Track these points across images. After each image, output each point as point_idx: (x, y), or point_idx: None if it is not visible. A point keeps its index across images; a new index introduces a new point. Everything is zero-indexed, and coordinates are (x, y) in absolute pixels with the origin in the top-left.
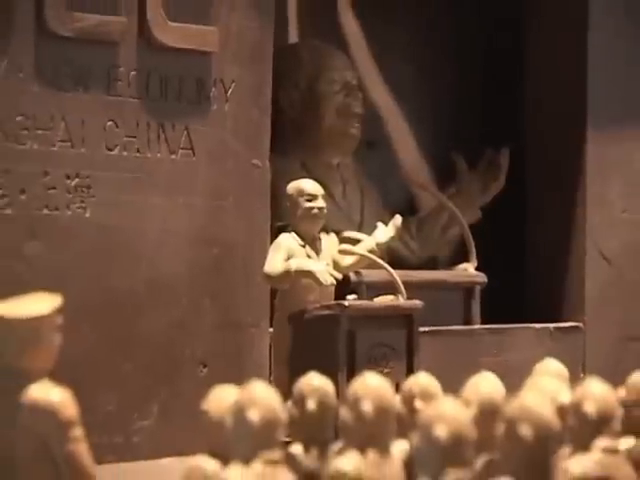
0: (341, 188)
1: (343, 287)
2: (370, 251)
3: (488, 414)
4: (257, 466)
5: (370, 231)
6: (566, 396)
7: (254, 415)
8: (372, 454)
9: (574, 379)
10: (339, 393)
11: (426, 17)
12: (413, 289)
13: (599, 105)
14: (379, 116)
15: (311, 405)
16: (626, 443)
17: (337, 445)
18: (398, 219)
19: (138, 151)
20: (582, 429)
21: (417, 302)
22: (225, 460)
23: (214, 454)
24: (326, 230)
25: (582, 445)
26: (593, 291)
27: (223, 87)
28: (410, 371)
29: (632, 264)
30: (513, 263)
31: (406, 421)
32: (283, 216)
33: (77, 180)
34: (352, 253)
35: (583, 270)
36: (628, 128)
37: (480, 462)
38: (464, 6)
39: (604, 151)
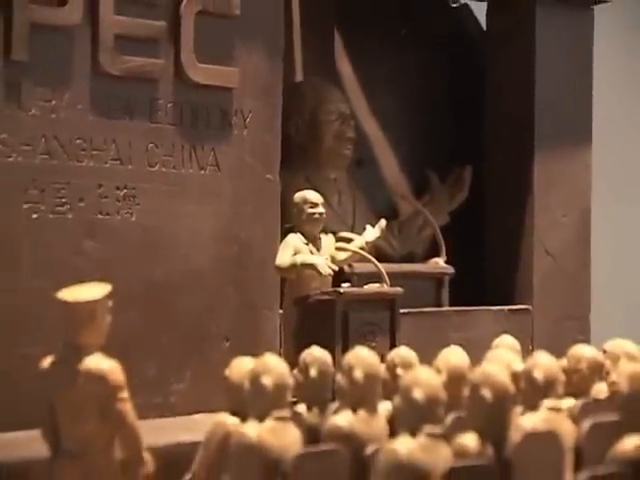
0: (337, 197)
1: (339, 277)
2: (361, 248)
3: (456, 380)
4: (269, 422)
5: (360, 232)
6: (519, 365)
7: (267, 380)
8: (362, 412)
9: (525, 351)
10: (336, 362)
11: (404, 60)
12: (395, 278)
13: (544, 132)
14: (367, 140)
15: (313, 372)
16: (567, 403)
17: (334, 405)
18: (383, 222)
19: (174, 168)
20: (532, 392)
21: (398, 289)
22: (244, 417)
23: (235, 412)
24: (325, 231)
25: (532, 405)
26: (539, 280)
27: (242, 116)
28: (393, 345)
29: (570, 258)
30: (475, 258)
31: (389, 385)
32: (290, 219)
33: (125, 191)
34: (346, 249)
35: (531, 263)
36: (566, 150)
37: (450, 419)
38: (435, 50)
39: (547, 168)
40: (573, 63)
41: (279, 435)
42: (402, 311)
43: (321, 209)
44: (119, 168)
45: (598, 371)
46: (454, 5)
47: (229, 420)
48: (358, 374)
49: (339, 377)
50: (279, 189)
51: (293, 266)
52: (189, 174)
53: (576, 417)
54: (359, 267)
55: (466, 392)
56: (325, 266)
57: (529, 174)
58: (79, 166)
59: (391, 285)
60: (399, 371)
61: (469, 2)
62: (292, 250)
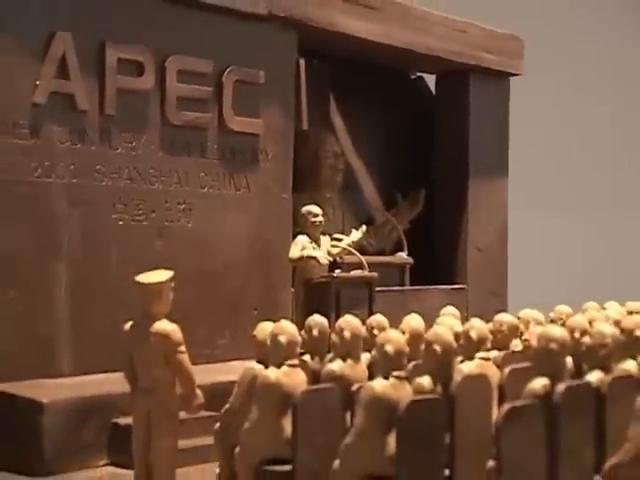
0: (332, 210)
1: (333, 265)
2: (349, 245)
3: (415, 338)
4: (284, 368)
5: (348, 234)
6: (459, 327)
7: (283, 339)
8: (350, 361)
9: (463, 318)
10: (331, 326)
11: (379, 115)
12: (372, 267)
13: (475, 166)
14: (352, 170)
15: (315, 332)
16: (493, 354)
17: (330, 356)
18: (364, 227)
19: (218, 189)
20: (469, 347)
21: (374, 274)
22: (266, 364)
23: (260, 361)
24: (323, 233)
25: (469, 356)
26: (471, 268)
27: (266, 154)
28: (371, 313)
29: (493, 253)
30: (427, 252)
31: (369, 342)
32: (299, 225)
33: (184, 205)
34: (338, 246)
35: (466, 256)
36: (490, 178)
37: (411, 366)
38: (400, 109)
39: (477, 190)
40: (495, 118)
41: (291, 377)
42: (377, 289)
43: (321, 218)
44: (180, 189)
45: (515, 332)
46: (413, 77)
47: (256, 366)
48: (346, 334)
49: (333, 336)
50: (291, 204)
51: (301, 258)
52: (228, 194)
53: (500, 364)
54: (347, 259)
55: (422, 347)
56: (323, 258)
57: (464, 194)
58: (152, 188)
59: (369, 271)
60: (375, 332)
61: (424, 75)
62: (300, 247)
